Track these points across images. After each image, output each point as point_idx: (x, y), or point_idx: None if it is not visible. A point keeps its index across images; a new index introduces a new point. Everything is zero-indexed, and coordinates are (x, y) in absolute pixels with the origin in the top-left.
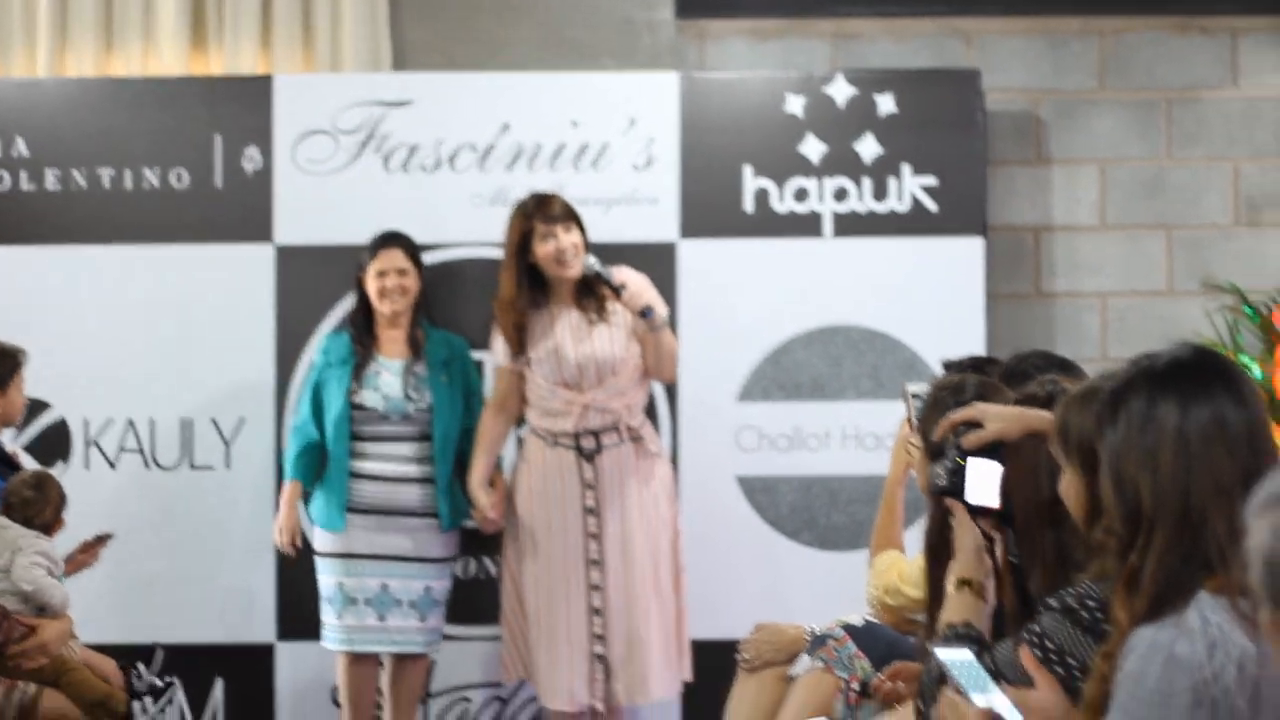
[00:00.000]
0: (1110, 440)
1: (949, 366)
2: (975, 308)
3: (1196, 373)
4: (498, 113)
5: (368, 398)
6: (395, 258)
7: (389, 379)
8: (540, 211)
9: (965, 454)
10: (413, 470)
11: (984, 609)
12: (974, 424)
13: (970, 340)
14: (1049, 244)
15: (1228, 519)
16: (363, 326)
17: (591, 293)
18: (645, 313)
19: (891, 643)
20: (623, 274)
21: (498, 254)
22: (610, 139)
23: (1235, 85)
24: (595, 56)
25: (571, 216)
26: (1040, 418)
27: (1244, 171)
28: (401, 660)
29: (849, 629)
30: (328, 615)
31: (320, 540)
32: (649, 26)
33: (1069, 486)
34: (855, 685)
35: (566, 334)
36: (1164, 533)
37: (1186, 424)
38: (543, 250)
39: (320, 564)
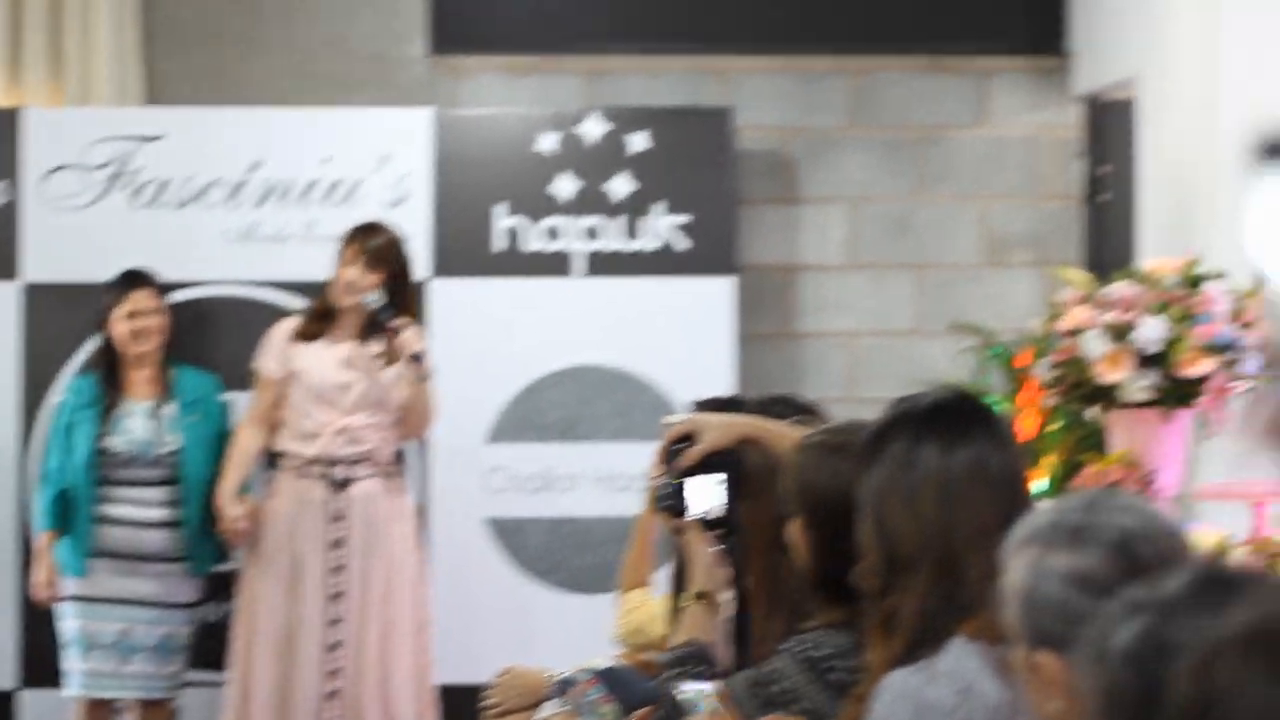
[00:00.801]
0: (871, 482)
1: (700, 407)
2: (726, 347)
3: (958, 416)
4: (249, 148)
5: (114, 441)
6: (145, 298)
7: (136, 422)
8: (357, 239)
9: (684, 471)
10: (160, 514)
11: (719, 620)
12: (688, 438)
13: (720, 380)
14: (799, 283)
15: (986, 562)
16: (108, 368)
17: (376, 332)
18: (416, 357)
19: (639, 686)
20: (409, 327)
21: (248, 292)
22: (363, 175)
23: (984, 125)
24: (348, 92)
25: (383, 256)
26: (752, 425)
27: (991, 211)
28: (144, 707)
29: (595, 672)
30: (71, 660)
31: (64, 585)
32: (402, 62)
33: (795, 533)
34: None
35: (336, 356)
36: (924, 575)
37: (949, 466)
38: (340, 275)
39: (64, 609)
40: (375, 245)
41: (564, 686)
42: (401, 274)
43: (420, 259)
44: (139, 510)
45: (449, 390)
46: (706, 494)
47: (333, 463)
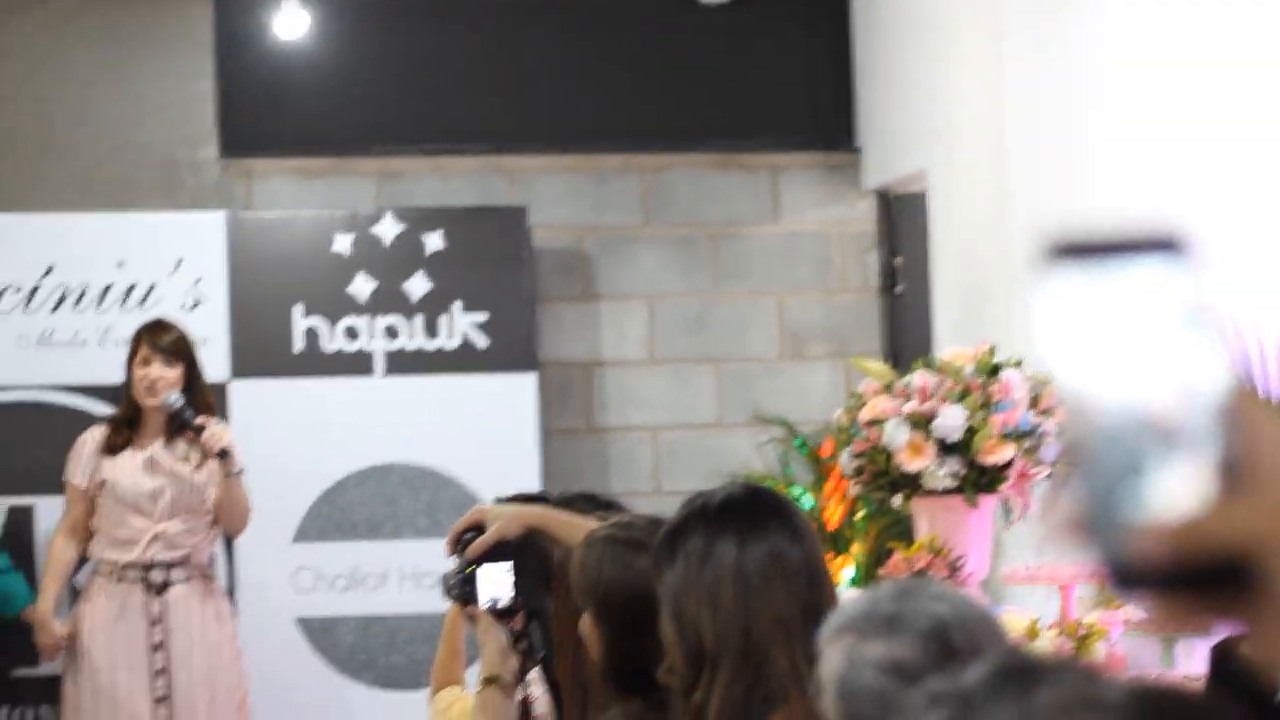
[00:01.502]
0: (669, 580)
1: (504, 502)
2: (529, 443)
3: (751, 509)
4: (41, 253)
5: None
6: None
7: None
8: (148, 338)
9: (472, 561)
10: None
11: (509, 706)
12: (478, 527)
13: (525, 475)
14: (600, 379)
15: (789, 652)
16: None
17: (180, 432)
18: (223, 454)
19: None
20: (212, 423)
21: (44, 396)
22: (157, 279)
23: (777, 220)
24: (139, 196)
25: (176, 352)
26: (539, 514)
27: (787, 305)
28: None
29: None
30: None
31: None
32: (193, 165)
33: (587, 628)
34: None
35: (144, 461)
36: (727, 668)
37: (744, 559)
38: (137, 374)
39: None
40: (169, 341)
41: None
42: (196, 369)
43: (219, 361)
44: None
45: (254, 490)
46: (495, 582)
47: (149, 567)
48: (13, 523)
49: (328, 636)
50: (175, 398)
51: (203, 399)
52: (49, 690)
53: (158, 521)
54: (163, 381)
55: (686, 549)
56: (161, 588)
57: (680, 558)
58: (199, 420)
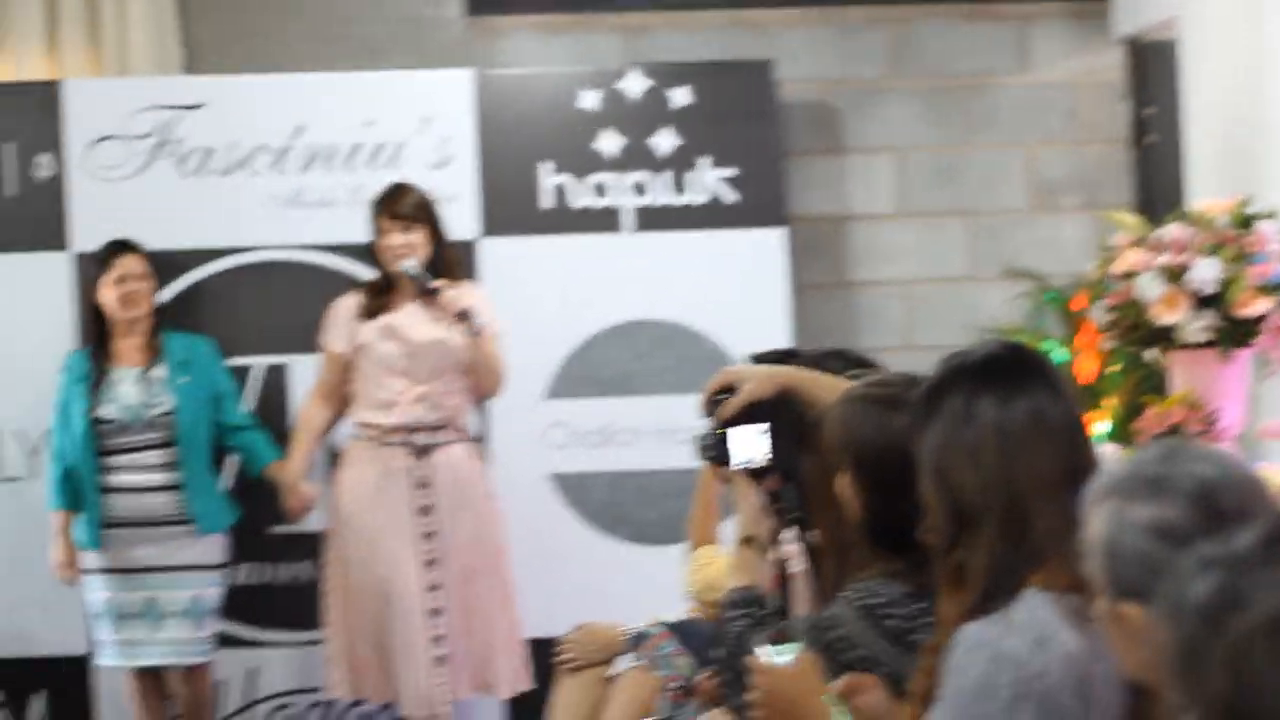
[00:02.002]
0: (929, 438)
1: (756, 361)
2: (779, 299)
3: (1012, 367)
4: (291, 114)
5: (107, 410)
6: (133, 263)
7: (126, 388)
8: (383, 206)
9: (725, 422)
10: (162, 478)
11: (766, 567)
12: (730, 388)
13: (775, 331)
14: (849, 233)
15: (1052, 512)
16: (98, 339)
17: (427, 297)
18: (463, 315)
19: (711, 638)
20: (450, 286)
21: (296, 256)
22: (405, 138)
23: (1026, 71)
24: (385, 55)
25: (414, 217)
26: (792, 375)
27: (1036, 156)
28: (183, 673)
29: (667, 626)
30: (101, 632)
31: (86, 559)
32: (438, 23)
33: (844, 488)
34: (676, 683)
35: (403, 325)
36: (989, 528)
37: (1006, 418)
38: (379, 243)
39: (88, 581)
40: (404, 208)
41: (638, 641)
42: (437, 230)
43: (467, 219)
44: (139, 476)
45: (506, 348)
46: (749, 443)
47: (414, 430)
48: (267, 382)
49: (581, 492)
50: (411, 264)
51: (447, 260)
52: (305, 547)
53: (418, 383)
54: (402, 248)
55: (947, 407)
56: (425, 450)
57: (940, 416)
58: (435, 284)
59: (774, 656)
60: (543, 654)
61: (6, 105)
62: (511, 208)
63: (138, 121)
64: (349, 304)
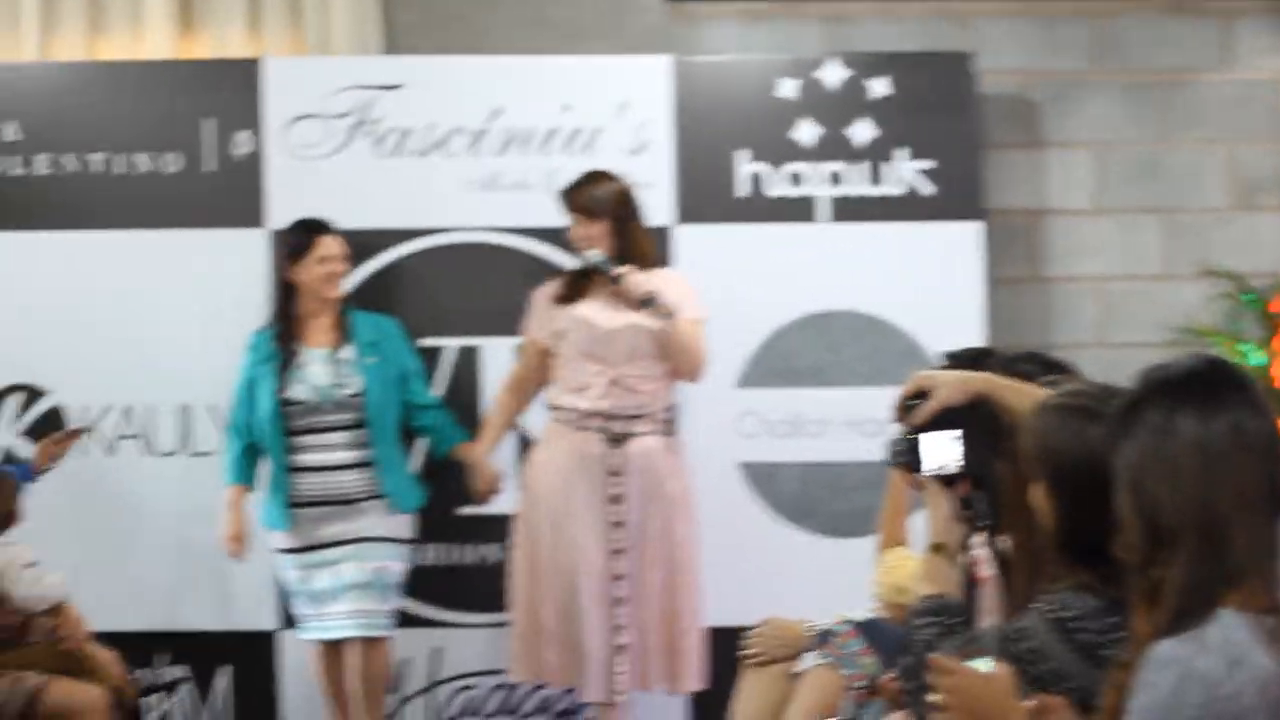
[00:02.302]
0: (1126, 453)
1: (950, 359)
2: (974, 292)
3: (1211, 382)
4: (489, 96)
5: (296, 391)
6: (335, 244)
7: (316, 369)
8: (566, 198)
9: (917, 428)
10: (352, 455)
11: (955, 575)
12: (923, 393)
13: (969, 325)
14: (1045, 227)
15: (1252, 531)
16: (286, 320)
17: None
18: (646, 302)
19: (897, 638)
20: (657, 275)
21: (490, 238)
22: (603, 123)
23: (1229, 68)
24: (584, 39)
25: (595, 210)
26: (986, 381)
27: (1239, 155)
28: (363, 647)
29: (853, 624)
30: (299, 607)
31: (274, 539)
32: (638, 9)
33: (1039, 498)
34: (861, 683)
35: (599, 310)
36: (1187, 545)
37: (1206, 433)
38: (570, 233)
39: (277, 561)
40: (588, 199)
41: (824, 638)
42: (622, 219)
43: (663, 206)
44: (330, 455)
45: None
46: (941, 449)
47: (610, 417)
48: (459, 364)
49: (770, 482)
50: (594, 253)
51: (636, 248)
52: (492, 529)
53: (611, 368)
54: (585, 239)
55: (1146, 421)
56: (620, 439)
57: (1139, 430)
58: (618, 271)
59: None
60: (727, 644)
61: (207, 82)
62: (707, 195)
63: (337, 100)
64: (547, 292)
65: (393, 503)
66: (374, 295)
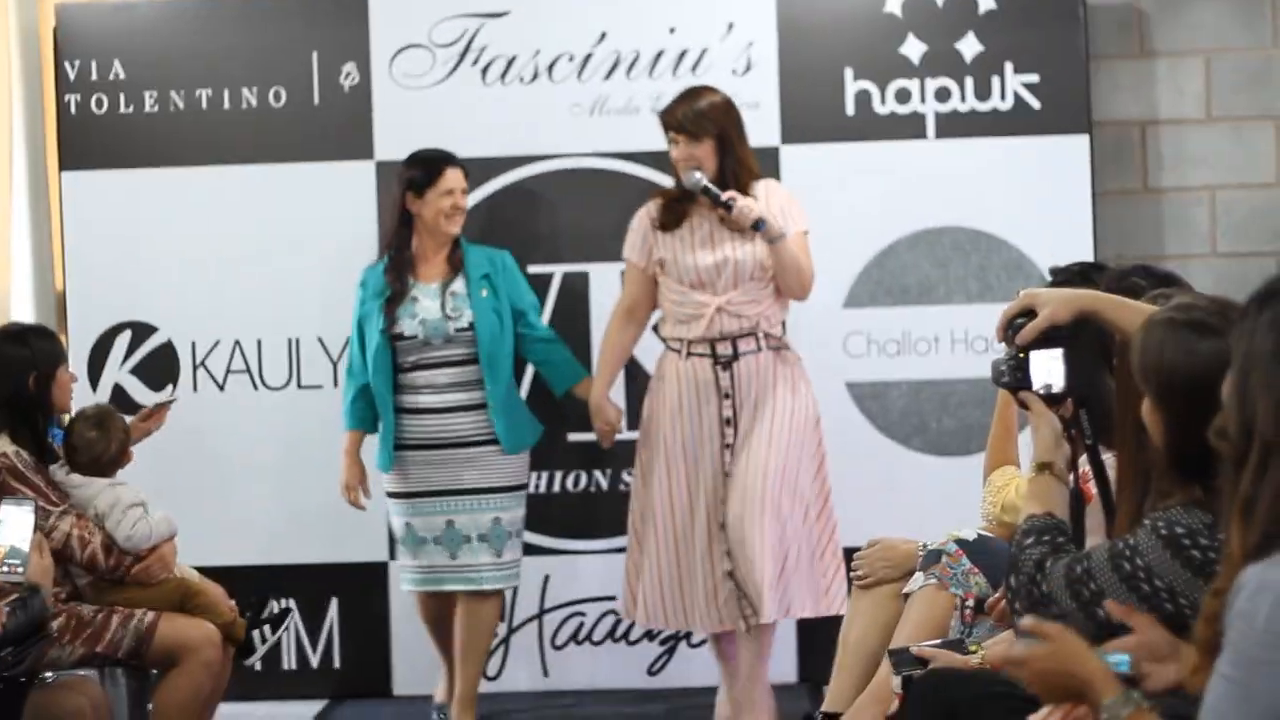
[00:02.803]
0: (1246, 343)
1: (1056, 274)
2: (1082, 205)
3: None
4: (594, 21)
5: (406, 326)
6: (459, 177)
7: (425, 303)
8: (665, 118)
9: (1024, 346)
10: (463, 397)
11: (1063, 492)
12: (1029, 312)
13: (1078, 238)
14: (1154, 139)
15: None
16: (401, 253)
17: (716, 207)
18: (757, 226)
19: (1006, 557)
20: (763, 191)
21: (598, 164)
22: (709, 44)
23: None
24: None
25: (688, 129)
26: (1093, 298)
27: None
28: (473, 596)
29: (962, 544)
30: (403, 556)
31: (385, 481)
32: None
33: (1149, 414)
34: (970, 602)
35: (700, 237)
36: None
37: None
38: (671, 154)
39: (389, 505)
40: (684, 118)
41: (934, 557)
42: (727, 139)
43: (770, 126)
44: (441, 396)
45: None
46: (1047, 368)
47: (719, 340)
48: (567, 290)
49: (878, 401)
50: (696, 176)
51: (740, 168)
52: (601, 455)
53: (717, 295)
54: (686, 160)
55: (1273, 318)
56: (730, 360)
57: (1263, 327)
58: (726, 196)
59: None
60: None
61: (313, 14)
62: (814, 114)
63: (441, 30)
64: (649, 213)
65: (506, 445)
66: (482, 223)
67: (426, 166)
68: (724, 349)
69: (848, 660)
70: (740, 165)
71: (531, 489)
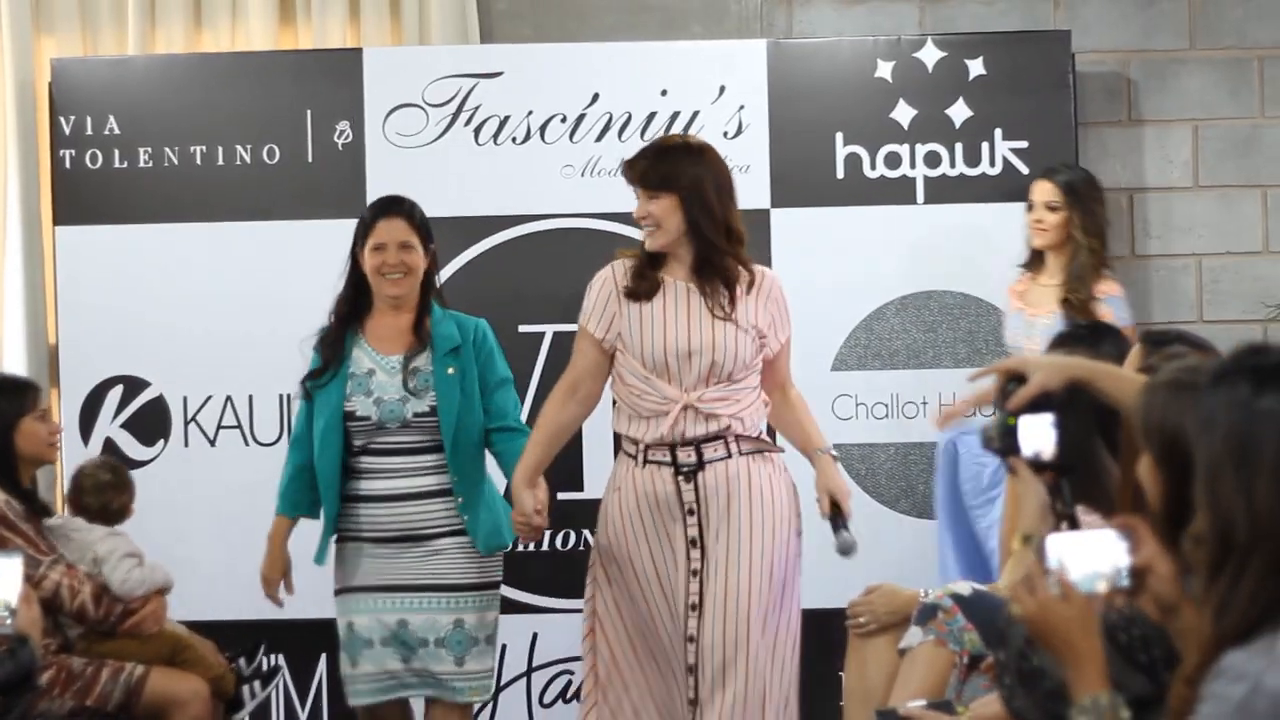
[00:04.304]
0: (1205, 447)
1: (1061, 338)
2: None
3: None
4: (587, 82)
5: (359, 405)
6: (396, 229)
7: (383, 379)
8: (625, 170)
9: (1013, 411)
10: (424, 483)
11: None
12: (1020, 377)
13: None
14: (1142, 205)
15: None
16: (345, 312)
17: (716, 273)
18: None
19: (996, 612)
20: (767, 286)
21: (590, 224)
22: (700, 107)
23: None
24: (682, 25)
25: (651, 182)
26: (1084, 365)
27: None
28: (436, 706)
29: (957, 599)
30: (344, 665)
31: (334, 574)
32: None
33: (1147, 473)
34: (964, 659)
35: (674, 312)
36: (1257, 565)
37: None
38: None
39: (338, 603)
40: (645, 169)
41: (927, 613)
42: (697, 191)
43: (759, 189)
44: (400, 481)
45: (793, 319)
46: (1037, 435)
47: (678, 446)
48: (557, 349)
49: (865, 464)
50: (847, 537)
51: (715, 230)
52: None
53: (688, 389)
54: (644, 217)
55: (1226, 420)
56: (694, 470)
57: (1218, 430)
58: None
59: None
60: (826, 625)
61: (308, 72)
62: (804, 178)
63: (435, 90)
64: (613, 275)
65: (481, 545)
66: (473, 282)
67: (367, 215)
68: (686, 456)
69: (854, 712)
70: (715, 227)
71: (518, 547)
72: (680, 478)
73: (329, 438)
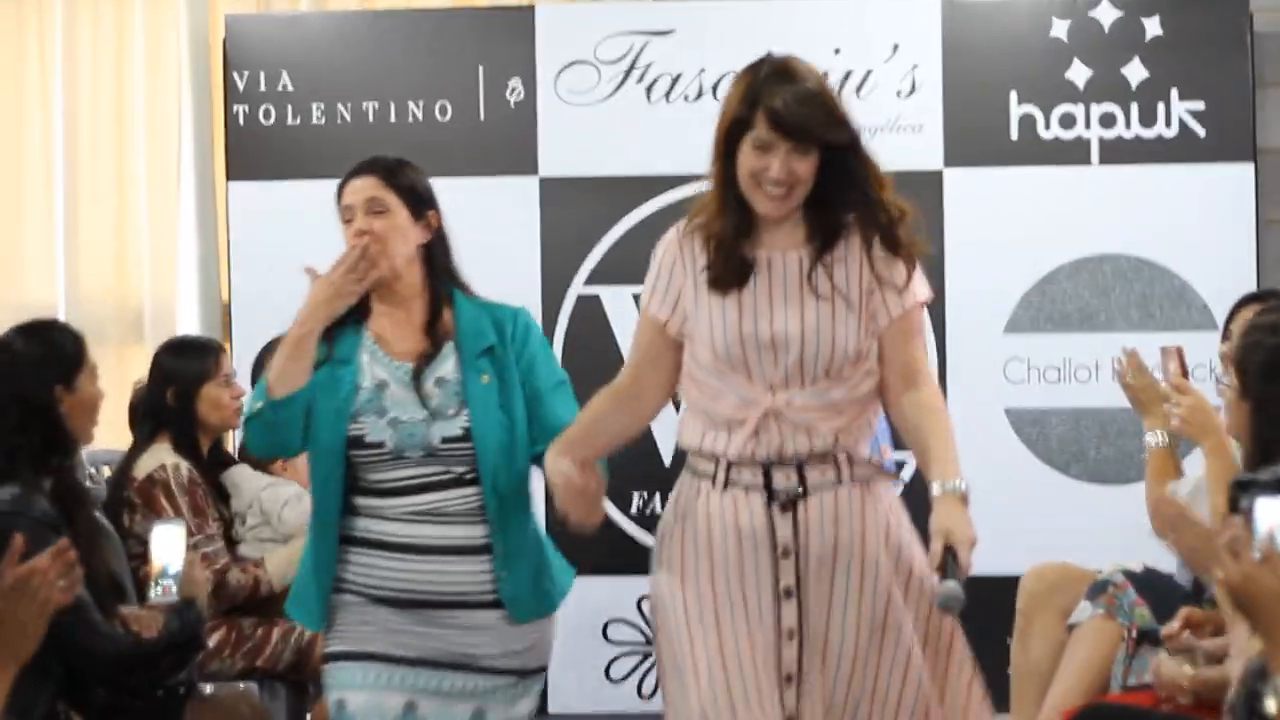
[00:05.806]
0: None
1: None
2: (1245, 235)
3: None
4: (759, 41)
5: (370, 428)
6: (364, 186)
7: (398, 393)
8: (769, 112)
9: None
10: (454, 536)
11: None
12: None
13: (1241, 268)
14: None
15: None
16: (357, 312)
17: (828, 238)
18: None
19: (1170, 589)
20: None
21: None
22: (873, 66)
23: None
24: None
25: (810, 135)
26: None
27: None
28: None
29: (1129, 575)
30: None
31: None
32: None
33: (1235, 405)
34: (1134, 633)
35: (765, 294)
36: None
37: None
38: (744, 164)
39: (326, 675)
40: (805, 117)
41: (1098, 588)
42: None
43: (933, 148)
44: (420, 528)
45: (964, 280)
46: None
47: (773, 465)
48: None
49: (1037, 428)
50: (952, 588)
51: (869, 182)
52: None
53: (777, 389)
54: (786, 178)
55: None
56: (793, 499)
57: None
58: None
59: None
60: (996, 592)
61: (481, 29)
62: (978, 138)
63: (607, 47)
64: (678, 243)
65: (515, 613)
66: (644, 243)
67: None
68: (783, 479)
69: (1023, 689)
70: (870, 179)
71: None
72: (774, 506)
73: (326, 468)
